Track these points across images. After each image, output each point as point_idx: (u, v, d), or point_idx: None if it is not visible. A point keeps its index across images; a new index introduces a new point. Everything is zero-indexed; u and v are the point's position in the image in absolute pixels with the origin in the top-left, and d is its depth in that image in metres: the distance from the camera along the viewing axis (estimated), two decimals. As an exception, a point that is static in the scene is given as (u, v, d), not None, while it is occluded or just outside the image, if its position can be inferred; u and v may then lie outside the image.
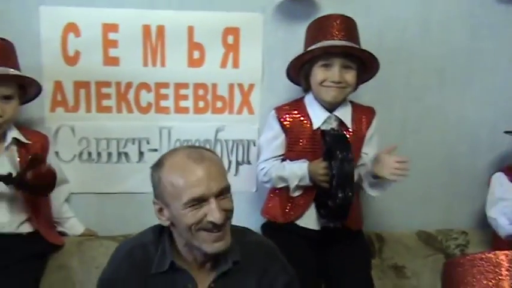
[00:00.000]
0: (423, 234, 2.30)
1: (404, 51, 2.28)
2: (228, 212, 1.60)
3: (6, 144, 1.92)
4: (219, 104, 2.21)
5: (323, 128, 1.99)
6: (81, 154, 2.17)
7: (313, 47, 1.96)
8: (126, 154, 2.20)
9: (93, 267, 1.99)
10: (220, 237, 1.58)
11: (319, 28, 1.99)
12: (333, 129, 1.97)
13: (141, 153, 2.20)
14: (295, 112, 2.04)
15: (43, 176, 1.88)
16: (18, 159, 1.93)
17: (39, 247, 1.97)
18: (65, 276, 2.00)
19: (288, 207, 2.06)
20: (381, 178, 1.92)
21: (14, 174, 1.85)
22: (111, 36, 2.10)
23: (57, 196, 2.09)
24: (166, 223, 1.63)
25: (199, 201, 1.54)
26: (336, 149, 1.85)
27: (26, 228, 1.96)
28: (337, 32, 1.95)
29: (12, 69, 1.87)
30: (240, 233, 1.75)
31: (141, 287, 1.62)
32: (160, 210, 1.62)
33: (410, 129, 2.33)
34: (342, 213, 1.90)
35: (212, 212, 1.54)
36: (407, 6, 2.26)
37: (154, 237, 1.71)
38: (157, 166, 1.63)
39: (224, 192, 1.58)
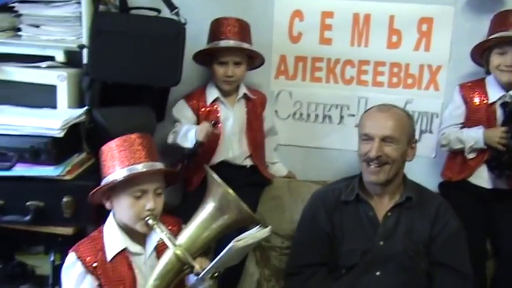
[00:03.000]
0: None
1: None
2: (386, 156, 2.07)
3: (238, 97, 2.51)
4: (409, 81, 2.63)
5: (499, 102, 2.37)
6: (294, 114, 2.71)
7: (492, 36, 2.36)
8: (329, 117, 2.70)
9: (299, 200, 2.49)
10: (374, 172, 2.09)
11: (498, 20, 2.39)
12: None
13: (341, 117, 2.69)
14: (476, 88, 2.44)
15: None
16: (245, 109, 2.52)
17: (257, 179, 2.54)
18: (277, 204, 2.54)
19: (462, 167, 2.44)
20: None
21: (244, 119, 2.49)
22: (327, 21, 2.61)
23: (270, 144, 2.66)
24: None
25: (367, 138, 2.09)
26: None
27: (248, 162, 2.54)
28: (512, 25, 2.32)
29: (245, 43, 2.43)
30: (418, 184, 2.22)
31: (329, 219, 2.17)
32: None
33: None
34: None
35: (371, 149, 2.06)
36: None
37: (346, 182, 2.24)
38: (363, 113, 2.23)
39: (388, 139, 2.08)
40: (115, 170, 1.75)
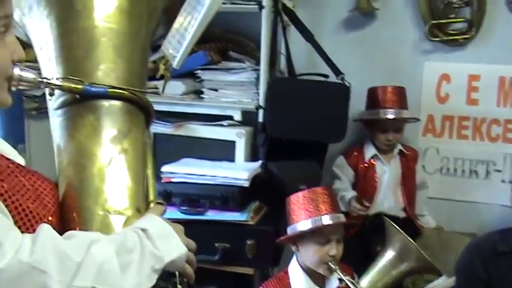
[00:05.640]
0: None
1: None
2: None
3: (394, 154, 2.75)
4: (551, 137, 2.78)
5: None
6: (441, 169, 2.91)
7: None
8: (476, 172, 2.87)
9: (450, 250, 2.62)
10: None
11: None
12: None
13: (487, 172, 2.85)
14: None
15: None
16: (400, 164, 2.75)
17: (410, 229, 2.64)
18: (429, 254, 2.52)
19: None
20: None
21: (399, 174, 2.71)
22: (474, 83, 2.82)
23: (420, 197, 2.83)
24: None
25: None
26: None
27: (402, 214, 2.74)
28: None
29: (404, 110, 2.68)
30: None
31: (486, 269, 2.30)
32: None
33: None
34: None
35: None
36: None
37: (499, 234, 2.39)
38: None
39: None
40: (302, 219, 2.00)
